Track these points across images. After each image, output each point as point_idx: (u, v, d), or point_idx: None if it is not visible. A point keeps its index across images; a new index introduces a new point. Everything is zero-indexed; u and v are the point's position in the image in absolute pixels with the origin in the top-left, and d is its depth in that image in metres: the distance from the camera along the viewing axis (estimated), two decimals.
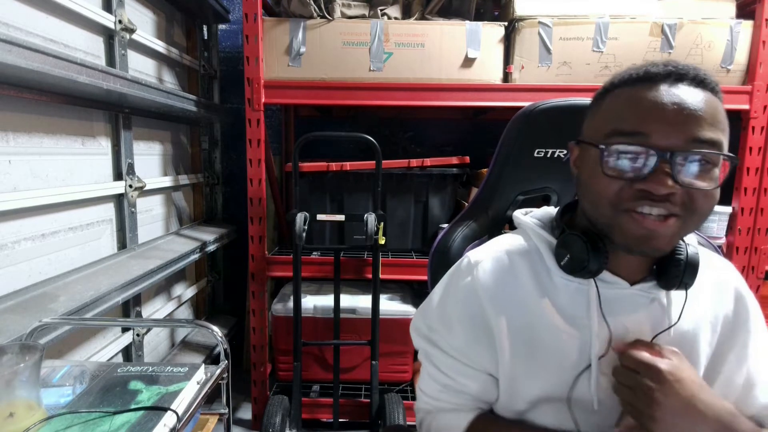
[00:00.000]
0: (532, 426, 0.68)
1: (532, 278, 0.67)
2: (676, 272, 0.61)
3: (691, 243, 0.65)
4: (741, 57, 1.66)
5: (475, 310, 0.68)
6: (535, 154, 0.86)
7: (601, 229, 0.62)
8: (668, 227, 0.56)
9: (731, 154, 0.56)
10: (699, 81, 0.56)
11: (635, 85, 0.58)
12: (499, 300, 0.67)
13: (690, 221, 0.57)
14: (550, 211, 0.74)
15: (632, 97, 0.58)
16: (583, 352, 0.64)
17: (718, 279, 0.69)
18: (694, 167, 0.55)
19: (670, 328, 0.63)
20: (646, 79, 0.58)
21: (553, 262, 0.66)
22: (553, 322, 0.65)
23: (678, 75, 0.56)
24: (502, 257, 0.70)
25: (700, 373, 0.65)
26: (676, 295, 0.65)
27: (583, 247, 0.61)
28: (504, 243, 0.72)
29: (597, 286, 0.64)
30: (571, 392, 0.64)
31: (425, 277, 0.92)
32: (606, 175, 0.57)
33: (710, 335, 0.66)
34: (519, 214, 0.74)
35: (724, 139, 0.56)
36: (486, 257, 0.70)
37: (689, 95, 0.55)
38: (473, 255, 0.72)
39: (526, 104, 0.86)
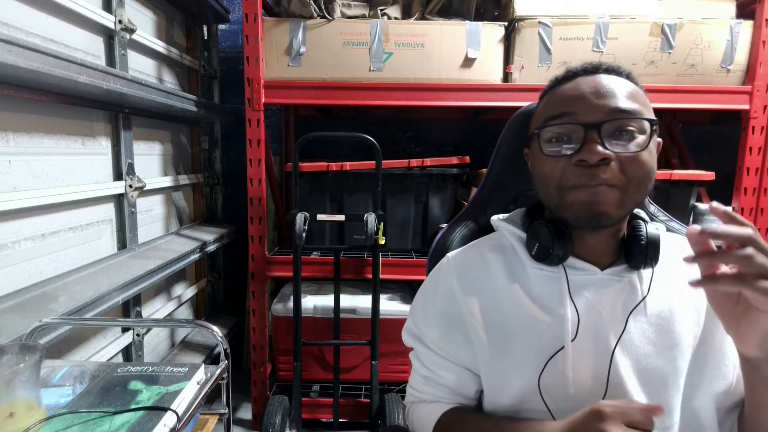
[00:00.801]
0: (501, 417, 0.70)
1: (505, 272, 0.71)
2: (639, 249, 0.65)
3: (657, 226, 0.68)
4: (741, 57, 1.65)
5: (452, 308, 0.72)
6: None
7: (556, 214, 0.66)
8: (608, 193, 0.61)
9: (650, 117, 0.62)
10: (611, 70, 0.65)
11: (561, 84, 0.67)
12: (474, 297, 0.71)
13: (629, 190, 0.61)
14: (519, 212, 0.78)
15: (558, 92, 0.66)
16: (557, 338, 0.66)
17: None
18: (619, 134, 0.61)
19: (641, 301, 0.66)
20: (567, 77, 0.67)
21: (526, 254, 0.70)
22: (528, 311, 0.68)
23: (593, 68, 0.65)
24: (477, 255, 0.74)
25: (684, 352, 0.66)
26: (647, 275, 0.67)
27: (548, 234, 0.65)
28: (481, 243, 0.77)
29: (566, 271, 0.67)
30: (542, 375, 0.66)
31: (425, 278, 0.92)
32: (547, 156, 0.64)
33: (694, 315, 0.68)
34: (494, 218, 0.78)
35: (645, 111, 0.63)
36: (462, 257, 0.75)
37: (604, 79, 0.63)
38: (452, 255, 0.77)
39: (526, 104, 0.86)
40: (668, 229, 0.80)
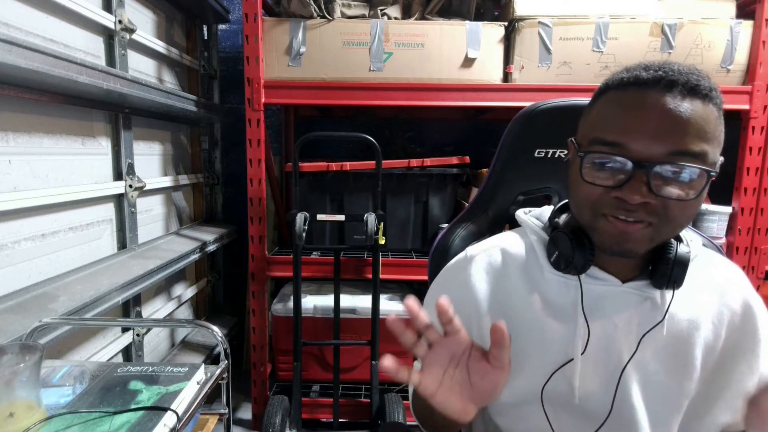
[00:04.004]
0: None
1: (522, 275, 0.69)
2: (664, 270, 0.62)
3: (691, 243, 0.65)
4: (741, 57, 1.65)
5: (462, 304, 0.71)
6: (536, 155, 0.86)
7: (585, 230, 0.64)
8: (640, 231, 0.57)
9: (709, 168, 0.55)
10: (690, 88, 0.54)
11: (626, 90, 0.58)
12: (487, 296, 0.70)
13: (663, 229, 0.58)
14: (549, 210, 0.76)
15: (619, 104, 0.58)
16: (567, 347, 0.66)
17: (723, 283, 0.68)
18: (672, 178, 0.55)
19: (655, 326, 0.64)
20: (635, 84, 0.57)
21: (546, 258, 0.68)
22: (541, 315, 0.67)
23: (668, 82, 0.55)
24: (495, 254, 0.72)
25: (695, 375, 0.65)
26: (671, 294, 0.65)
27: (569, 245, 0.63)
28: (500, 240, 0.75)
29: (581, 283, 0.65)
30: (546, 386, 0.66)
31: (425, 277, 0.92)
32: (585, 182, 0.59)
33: (712, 338, 0.66)
34: (520, 213, 0.76)
35: (711, 149, 0.55)
36: (481, 254, 0.73)
37: (677, 105, 0.54)
38: (470, 250, 0.75)
39: (526, 104, 0.86)
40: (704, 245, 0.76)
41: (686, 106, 0.54)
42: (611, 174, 0.57)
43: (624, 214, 0.57)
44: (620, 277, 0.65)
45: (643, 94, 0.56)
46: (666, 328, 0.64)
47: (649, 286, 0.64)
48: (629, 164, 0.55)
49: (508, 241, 0.74)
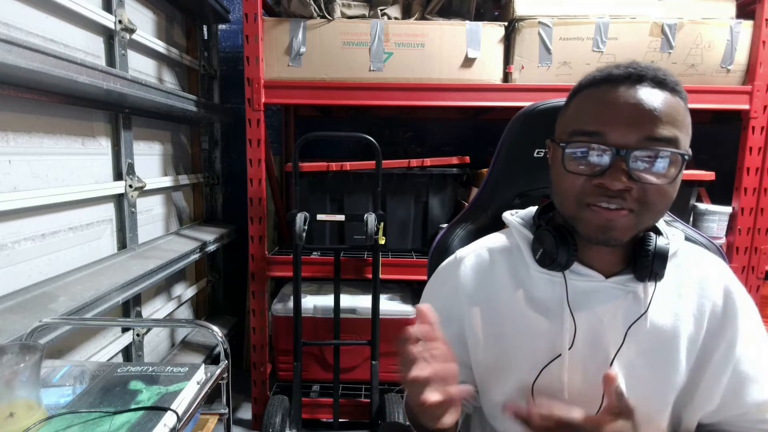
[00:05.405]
0: None
1: (509, 273, 0.71)
2: (645, 263, 0.63)
3: (671, 237, 0.66)
4: (741, 57, 1.65)
5: (452, 304, 0.73)
6: (535, 155, 0.86)
7: (568, 223, 0.65)
8: (623, 218, 0.59)
9: (683, 151, 0.59)
10: (658, 81, 0.59)
11: (599, 87, 0.62)
12: (475, 295, 0.72)
13: (644, 216, 0.60)
14: (534, 211, 0.78)
15: (594, 99, 0.61)
16: (554, 343, 0.67)
17: (705, 275, 0.69)
18: (648, 164, 0.58)
19: (640, 318, 0.65)
20: (608, 80, 0.61)
21: (531, 256, 0.69)
22: (527, 313, 0.68)
23: (637, 76, 0.59)
24: (483, 254, 0.75)
25: (680, 368, 0.65)
26: (653, 287, 0.66)
27: (552, 242, 0.65)
28: (488, 241, 0.77)
29: (565, 278, 0.67)
30: (536, 383, 0.67)
31: (425, 277, 0.92)
32: (568, 172, 0.61)
33: (694, 330, 0.66)
34: (507, 214, 0.78)
35: (682, 136, 0.59)
36: (469, 255, 0.75)
37: (646, 96, 0.58)
38: (460, 252, 0.77)
39: (526, 104, 0.86)
40: (687, 238, 0.77)
41: (656, 97, 0.58)
42: (592, 163, 0.60)
43: (606, 201, 0.59)
44: (604, 273, 0.67)
45: (616, 89, 0.60)
46: (650, 321, 0.65)
47: (632, 280, 0.66)
48: (609, 152, 0.58)
49: (495, 241, 0.76)
